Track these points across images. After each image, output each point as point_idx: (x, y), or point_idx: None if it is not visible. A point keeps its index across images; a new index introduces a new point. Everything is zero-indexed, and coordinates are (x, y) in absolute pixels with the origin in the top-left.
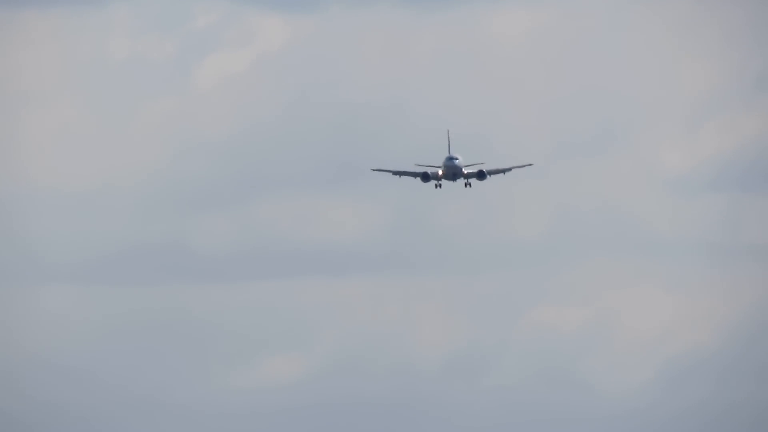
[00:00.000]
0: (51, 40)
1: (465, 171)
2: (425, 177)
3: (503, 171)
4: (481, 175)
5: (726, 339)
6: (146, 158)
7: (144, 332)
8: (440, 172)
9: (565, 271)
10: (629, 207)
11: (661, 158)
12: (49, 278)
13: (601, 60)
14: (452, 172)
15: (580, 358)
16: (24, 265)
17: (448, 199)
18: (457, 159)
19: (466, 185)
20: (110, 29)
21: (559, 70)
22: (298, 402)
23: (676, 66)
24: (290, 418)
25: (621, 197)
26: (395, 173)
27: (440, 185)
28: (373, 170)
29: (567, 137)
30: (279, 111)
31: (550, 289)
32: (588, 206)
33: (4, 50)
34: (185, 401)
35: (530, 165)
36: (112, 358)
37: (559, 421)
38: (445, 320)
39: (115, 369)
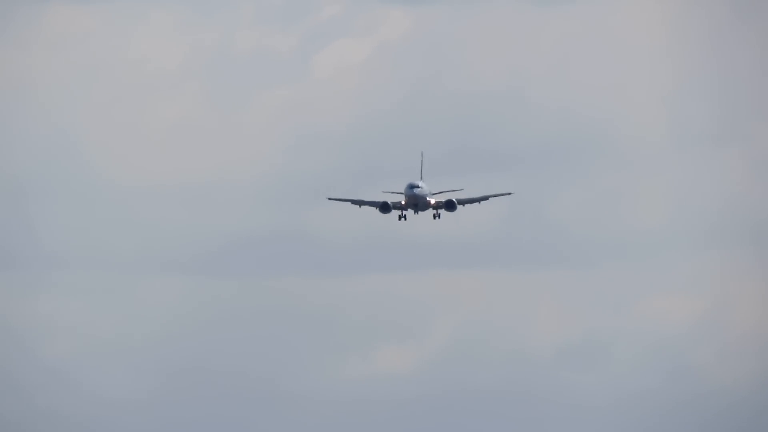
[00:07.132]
0: (174, 30)
1: (431, 201)
2: (384, 207)
3: (478, 200)
4: (450, 205)
5: None
6: (266, 148)
7: (261, 322)
8: (403, 202)
9: (679, 263)
10: (744, 199)
11: None
12: (167, 269)
13: (720, 52)
14: (413, 201)
15: (693, 349)
16: (146, 257)
17: None
18: (419, 187)
19: (434, 216)
20: (233, 19)
21: (675, 63)
22: (413, 392)
23: None
24: (407, 408)
25: (736, 188)
26: (354, 203)
27: (404, 216)
28: (330, 199)
29: (685, 129)
30: (399, 101)
31: (665, 281)
32: (705, 199)
33: (126, 41)
34: (302, 391)
35: (509, 194)
36: (228, 347)
37: (669, 410)
38: (557, 312)
39: (233, 358)
